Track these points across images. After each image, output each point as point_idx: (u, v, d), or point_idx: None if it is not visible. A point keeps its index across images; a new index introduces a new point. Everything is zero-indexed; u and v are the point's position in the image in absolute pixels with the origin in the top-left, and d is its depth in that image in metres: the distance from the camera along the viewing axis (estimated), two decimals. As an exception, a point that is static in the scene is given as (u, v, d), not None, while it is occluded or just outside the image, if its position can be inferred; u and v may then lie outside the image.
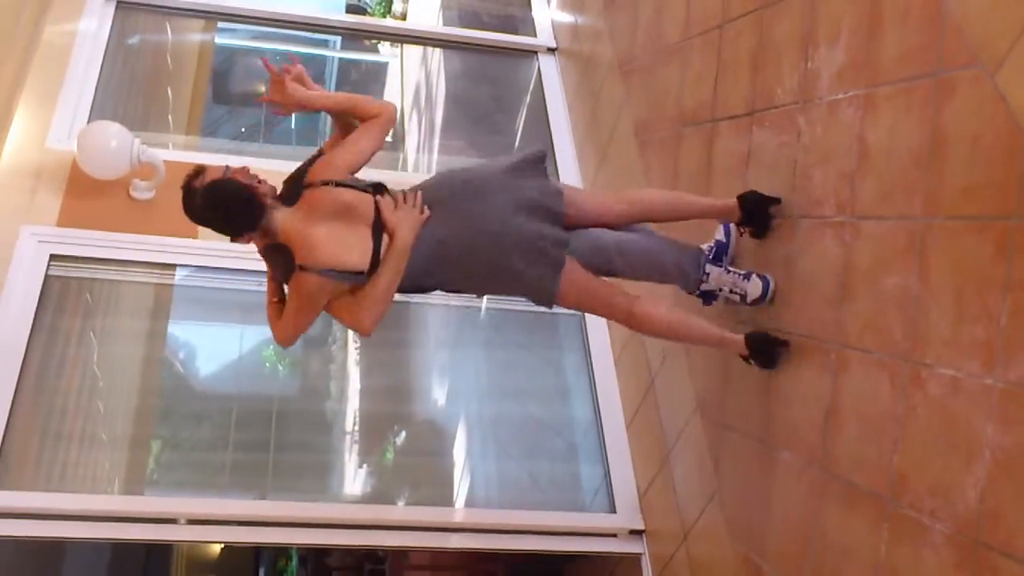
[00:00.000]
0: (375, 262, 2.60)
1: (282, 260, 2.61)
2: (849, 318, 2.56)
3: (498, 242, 2.68)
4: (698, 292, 3.08)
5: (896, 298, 2.36)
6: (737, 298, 2.99)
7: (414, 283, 2.73)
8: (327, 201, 2.60)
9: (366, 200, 2.64)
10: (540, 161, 2.85)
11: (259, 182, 2.63)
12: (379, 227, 2.62)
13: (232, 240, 2.67)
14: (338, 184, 2.61)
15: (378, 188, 2.70)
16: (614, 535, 4.01)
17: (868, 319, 2.48)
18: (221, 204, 2.58)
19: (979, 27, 2.15)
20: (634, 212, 2.98)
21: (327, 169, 2.65)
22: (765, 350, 2.87)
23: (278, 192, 2.69)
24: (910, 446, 2.27)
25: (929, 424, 2.20)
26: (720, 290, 3.04)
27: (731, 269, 3.04)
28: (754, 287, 2.94)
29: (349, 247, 2.58)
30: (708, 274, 3.04)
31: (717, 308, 3.18)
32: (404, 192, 2.73)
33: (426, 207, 2.69)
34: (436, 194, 2.74)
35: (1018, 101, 2.01)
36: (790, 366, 2.82)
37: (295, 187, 2.67)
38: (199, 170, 2.66)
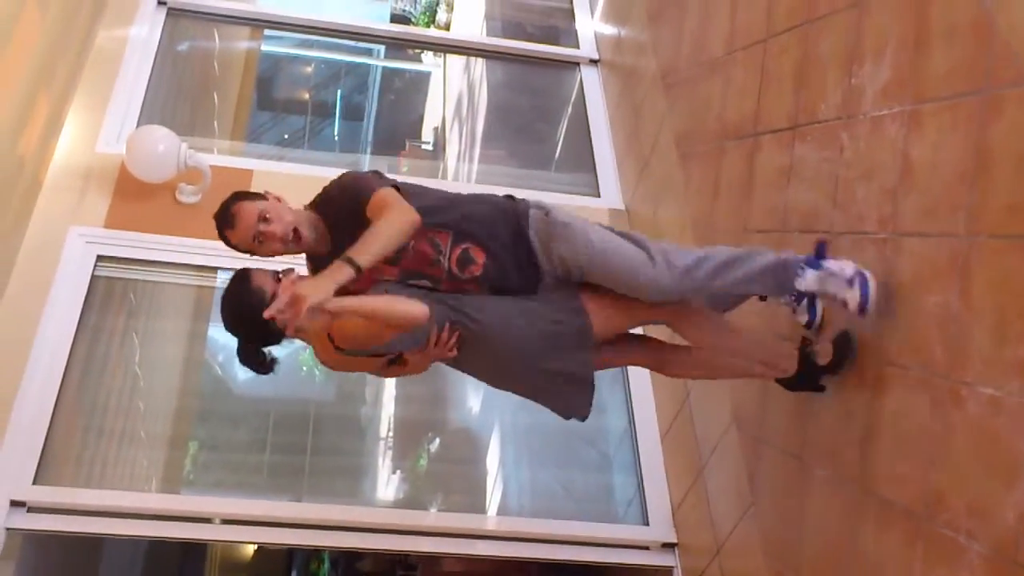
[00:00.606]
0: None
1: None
2: (889, 335, 2.54)
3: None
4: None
5: (937, 316, 2.34)
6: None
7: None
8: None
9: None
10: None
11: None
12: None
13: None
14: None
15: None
16: (646, 547, 4.00)
17: (908, 336, 2.46)
18: (228, 322, 2.53)
19: (1027, 45, 2.14)
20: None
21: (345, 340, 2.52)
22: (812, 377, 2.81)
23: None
24: (948, 465, 2.25)
25: (968, 443, 2.18)
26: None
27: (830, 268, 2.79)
28: (801, 311, 2.87)
29: (359, 365, 2.68)
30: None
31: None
32: (444, 328, 2.58)
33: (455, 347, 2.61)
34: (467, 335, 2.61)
35: (1065, 120, 2.00)
36: (828, 381, 2.80)
37: None
38: (228, 221, 2.62)
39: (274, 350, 2.56)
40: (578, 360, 2.65)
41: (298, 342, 2.69)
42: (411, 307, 2.45)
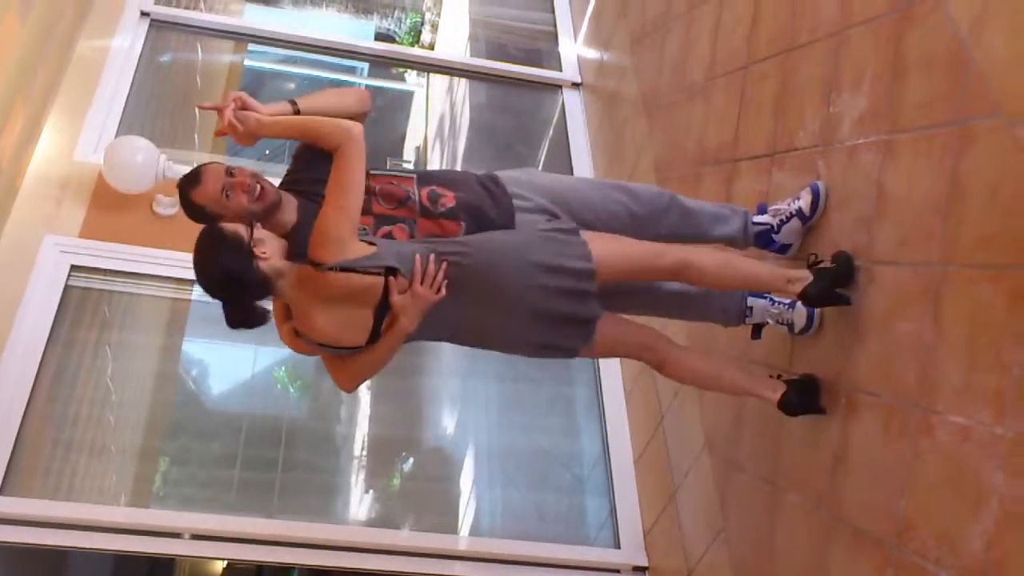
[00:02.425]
0: (373, 338, 2.48)
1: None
2: (861, 362, 2.56)
3: (518, 325, 2.57)
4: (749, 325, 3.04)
5: (909, 344, 2.36)
6: (785, 328, 2.90)
7: (420, 338, 2.62)
8: (331, 287, 2.40)
9: (375, 285, 2.42)
10: (573, 231, 2.65)
11: (261, 252, 2.40)
12: (383, 307, 2.45)
13: None
14: (343, 268, 2.39)
15: (391, 271, 2.44)
16: (617, 571, 3.99)
17: (880, 364, 2.47)
18: (213, 281, 2.43)
19: (1003, 77, 2.16)
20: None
21: (324, 243, 2.39)
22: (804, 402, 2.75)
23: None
24: (918, 492, 2.26)
25: (938, 471, 2.19)
26: (766, 322, 2.97)
27: (776, 300, 2.94)
28: (799, 316, 2.84)
29: (347, 328, 2.46)
30: (751, 308, 2.98)
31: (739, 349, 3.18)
32: (428, 259, 2.48)
33: (443, 286, 2.48)
34: (456, 270, 2.50)
35: (1037, 152, 2.02)
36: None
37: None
38: (195, 179, 2.57)
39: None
40: (580, 282, 2.53)
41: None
42: (341, 121, 2.48)
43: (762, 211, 2.98)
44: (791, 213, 2.89)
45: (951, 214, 2.27)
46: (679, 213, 2.91)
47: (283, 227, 2.65)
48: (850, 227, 2.70)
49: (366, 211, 2.61)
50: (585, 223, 2.74)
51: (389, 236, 2.66)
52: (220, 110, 2.59)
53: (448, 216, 2.70)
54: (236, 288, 2.41)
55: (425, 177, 2.77)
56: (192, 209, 2.62)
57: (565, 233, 2.60)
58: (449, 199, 2.72)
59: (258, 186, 2.57)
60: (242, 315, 2.45)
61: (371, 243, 2.46)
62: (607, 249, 2.59)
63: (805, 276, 2.60)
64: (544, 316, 2.53)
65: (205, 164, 2.64)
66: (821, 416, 2.70)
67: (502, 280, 2.50)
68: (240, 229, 2.40)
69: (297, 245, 2.51)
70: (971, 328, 2.15)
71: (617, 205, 2.83)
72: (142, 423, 4.51)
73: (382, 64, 7.53)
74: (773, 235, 2.93)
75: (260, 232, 2.43)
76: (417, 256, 2.46)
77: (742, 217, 2.98)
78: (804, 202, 2.86)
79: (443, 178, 2.79)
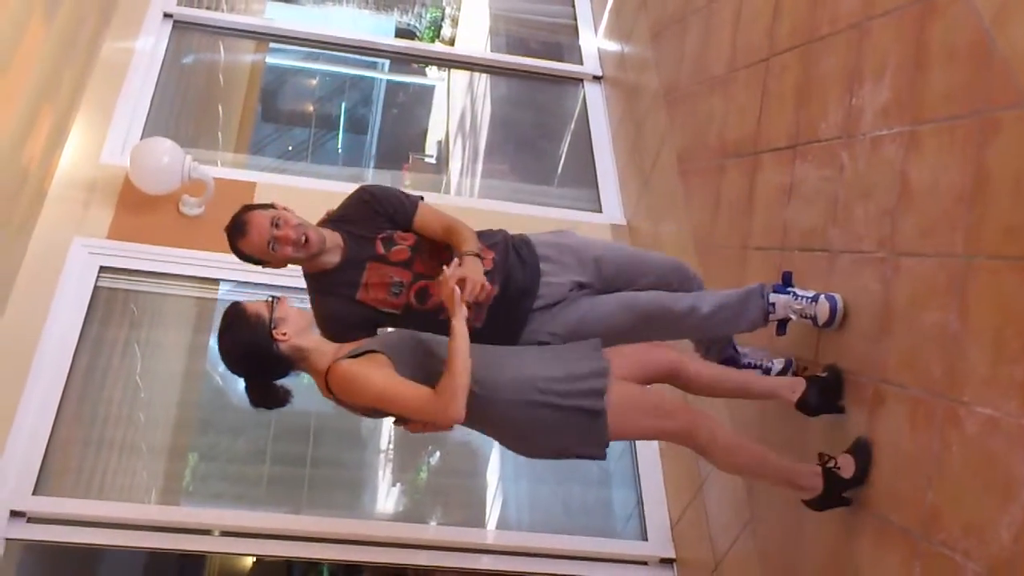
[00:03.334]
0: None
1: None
2: (887, 354, 2.55)
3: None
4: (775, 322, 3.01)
5: (935, 335, 2.35)
6: (809, 322, 2.91)
7: None
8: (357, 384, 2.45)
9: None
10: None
11: (281, 333, 2.43)
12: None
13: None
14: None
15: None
16: (644, 563, 3.99)
17: (906, 355, 2.47)
18: (232, 359, 2.49)
19: (1025, 67, 2.15)
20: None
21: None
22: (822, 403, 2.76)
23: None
24: (945, 484, 2.25)
25: (965, 462, 2.19)
26: (790, 318, 2.94)
27: (799, 294, 2.92)
28: (822, 309, 2.84)
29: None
30: (774, 304, 2.94)
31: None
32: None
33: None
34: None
35: (1062, 142, 2.01)
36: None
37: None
38: (241, 231, 2.66)
39: (284, 382, 2.52)
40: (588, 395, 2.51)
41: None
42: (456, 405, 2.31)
43: (781, 290, 2.94)
44: (806, 315, 2.88)
45: (976, 205, 2.26)
46: (698, 320, 2.89)
47: (324, 267, 2.75)
48: (875, 219, 2.69)
49: (406, 266, 2.74)
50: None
51: (425, 292, 2.73)
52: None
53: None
54: (254, 367, 2.47)
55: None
56: (237, 254, 2.73)
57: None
58: (487, 263, 2.74)
59: (303, 237, 2.64)
60: (261, 394, 2.50)
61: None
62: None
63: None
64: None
65: (250, 212, 2.69)
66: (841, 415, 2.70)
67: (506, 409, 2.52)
68: (262, 309, 2.44)
69: (330, 290, 2.63)
70: (997, 319, 2.14)
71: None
72: (171, 421, 4.55)
73: (403, 61, 7.54)
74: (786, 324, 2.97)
75: (284, 310, 2.47)
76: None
77: (760, 311, 2.92)
78: (821, 313, 2.83)
79: (482, 239, 2.82)
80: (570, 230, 3.08)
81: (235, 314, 2.46)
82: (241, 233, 2.67)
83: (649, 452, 4.25)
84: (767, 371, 3.08)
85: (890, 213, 2.61)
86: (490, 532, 4.28)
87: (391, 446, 4.80)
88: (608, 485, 4.51)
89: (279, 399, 2.51)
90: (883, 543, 2.48)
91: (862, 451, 2.59)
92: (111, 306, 4.37)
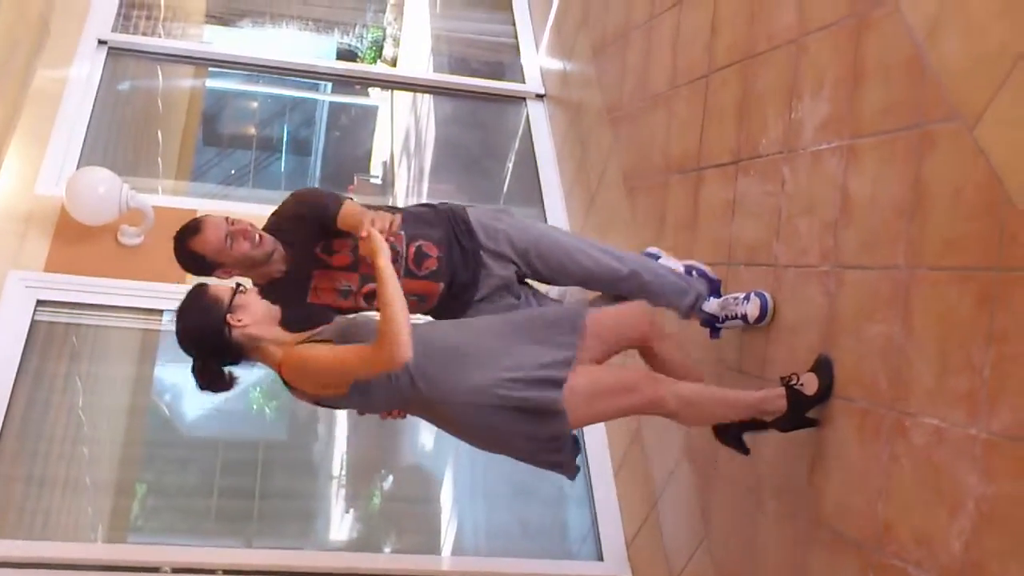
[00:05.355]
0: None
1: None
2: (834, 367, 2.57)
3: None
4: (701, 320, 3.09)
5: (880, 347, 2.37)
6: (739, 322, 2.96)
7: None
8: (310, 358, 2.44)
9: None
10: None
11: (237, 319, 2.41)
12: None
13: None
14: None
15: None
16: (602, 583, 3.99)
17: (852, 368, 2.49)
18: (181, 338, 2.46)
19: (958, 82, 2.19)
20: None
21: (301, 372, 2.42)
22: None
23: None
24: (895, 495, 2.27)
25: (913, 473, 2.21)
26: (723, 319, 3.02)
27: (726, 296, 3.03)
28: (753, 306, 2.90)
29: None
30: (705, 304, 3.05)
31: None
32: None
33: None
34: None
35: (997, 155, 2.04)
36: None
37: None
38: (195, 229, 2.65)
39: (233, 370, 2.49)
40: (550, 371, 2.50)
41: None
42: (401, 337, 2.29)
43: (715, 293, 3.09)
44: (737, 315, 2.97)
45: (915, 217, 2.28)
46: (637, 284, 2.99)
47: (272, 276, 2.77)
48: (818, 233, 2.72)
49: (353, 269, 2.78)
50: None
51: (374, 293, 2.64)
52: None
53: (431, 278, 2.84)
54: (204, 349, 2.44)
55: (411, 223, 2.83)
56: (188, 259, 2.69)
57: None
58: (432, 262, 2.82)
59: (258, 235, 2.67)
60: (207, 378, 2.46)
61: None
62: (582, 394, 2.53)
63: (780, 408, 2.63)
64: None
65: (203, 216, 2.72)
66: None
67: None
68: (223, 293, 2.42)
69: (281, 297, 2.57)
70: (940, 330, 2.16)
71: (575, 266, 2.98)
72: (116, 454, 4.45)
73: (345, 83, 7.50)
74: (717, 324, 3.07)
75: (246, 298, 2.44)
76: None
77: (694, 298, 3.06)
78: (751, 312, 2.91)
79: (421, 219, 2.87)
80: (508, 208, 3.15)
81: (195, 295, 2.45)
82: (195, 231, 2.66)
83: (603, 471, 4.24)
84: (743, 317, 2.98)
85: (832, 226, 2.64)
86: (446, 559, 4.25)
87: (343, 471, 4.74)
88: (563, 506, 4.49)
89: (225, 384, 2.48)
90: (837, 556, 2.49)
91: (824, 368, 2.59)
92: (50, 340, 4.27)
